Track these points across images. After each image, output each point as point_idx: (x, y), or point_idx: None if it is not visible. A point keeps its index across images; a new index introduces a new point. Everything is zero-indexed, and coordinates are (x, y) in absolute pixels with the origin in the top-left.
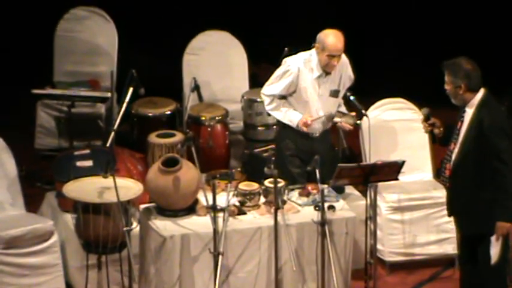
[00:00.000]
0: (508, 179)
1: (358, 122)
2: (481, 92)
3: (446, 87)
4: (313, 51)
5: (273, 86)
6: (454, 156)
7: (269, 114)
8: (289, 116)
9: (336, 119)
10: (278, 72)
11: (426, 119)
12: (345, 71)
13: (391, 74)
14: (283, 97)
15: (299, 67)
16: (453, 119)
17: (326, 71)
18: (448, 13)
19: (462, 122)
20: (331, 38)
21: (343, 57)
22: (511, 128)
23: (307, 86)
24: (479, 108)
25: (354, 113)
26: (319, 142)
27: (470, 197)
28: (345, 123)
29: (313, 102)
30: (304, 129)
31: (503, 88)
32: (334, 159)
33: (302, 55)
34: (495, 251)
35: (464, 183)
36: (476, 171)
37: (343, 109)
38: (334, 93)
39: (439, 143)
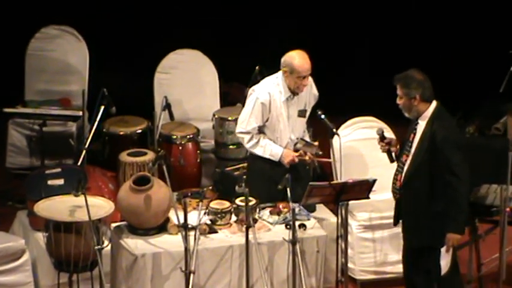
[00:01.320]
0: (459, 192)
1: (321, 152)
2: (434, 104)
3: (399, 101)
4: (278, 74)
5: (250, 120)
6: (406, 168)
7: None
8: (270, 151)
9: (298, 146)
10: (249, 105)
11: (381, 138)
12: (309, 90)
13: (363, 92)
14: (259, 129)
15: (269, 92)
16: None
17: (295, 92)
18: (420, 30)
19: (415, 134)
20: (298, 59)
21: None
22: (463, 141)
23: (278, 109)
24: (432, 121)
25: (316, 143)
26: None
27: (422, 209)
28: (308, 151)
29: (285, 126)
30: (287, 164)
31: (457, 101)
32: (305, 177)
33: (268, 80)
34: (445, 262)
35: (415, 195)
36: (429, 184)
37: (306, 136)
38: (302, 113)
39: (397, 161)
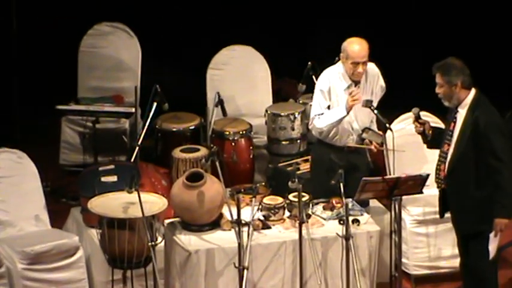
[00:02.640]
0: (504, 176)
1: (382, 141)
2: (473, 92)
3: (439, 90)
4: (340, 63)
5: (314, 107)
6: (449, 157)
7: (308, 130)
8: (336, 114)
9: (364, 136)
10: (314, 94)
11: (417, 118)
12: (376, 81)
13: (416, 86)
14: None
15: (329, 78)
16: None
17: (354, 80)
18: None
19: (455, 122)
20: (354, 45)
21: (374, 67)
22: (506, 126)
23: (339, 97)
24: (472, 108)
25: (381, 132)
26: (356, 154)
27: (468, 196)
28: (373, 141)
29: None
30: (356, 102)
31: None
32: (361, 170)
33: (331, 68)
34: (493, 246)
35: (461, 183)
36: (473, 170)
37: (374, 127)
38: (367, 103)
39: (427, 145)
